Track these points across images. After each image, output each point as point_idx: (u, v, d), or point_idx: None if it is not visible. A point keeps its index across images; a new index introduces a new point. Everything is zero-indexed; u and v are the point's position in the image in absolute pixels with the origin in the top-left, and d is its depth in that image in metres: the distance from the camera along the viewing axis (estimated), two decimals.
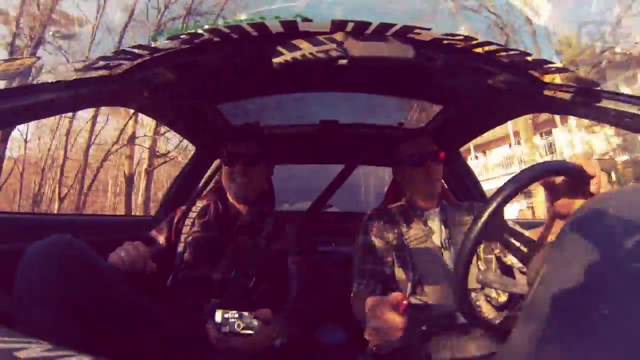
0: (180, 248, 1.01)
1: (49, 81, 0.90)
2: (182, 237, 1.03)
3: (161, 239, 1.05)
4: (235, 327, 0.66)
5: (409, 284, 1.00)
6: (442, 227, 1.08)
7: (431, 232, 1.07)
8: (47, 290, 0.59)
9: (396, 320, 0.60)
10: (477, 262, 1.00)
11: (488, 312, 0.95)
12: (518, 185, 0.61)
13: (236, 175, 1.04)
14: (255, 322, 0.67)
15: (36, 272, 0.61)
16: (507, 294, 0.94)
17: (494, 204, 0.59)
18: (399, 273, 1.02)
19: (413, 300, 1.00)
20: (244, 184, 1.04)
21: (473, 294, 0.97)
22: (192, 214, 1.09)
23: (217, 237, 1.00)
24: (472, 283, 0.82)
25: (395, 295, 0.62)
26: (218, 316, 0.66)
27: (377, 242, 1.06)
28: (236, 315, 0.66)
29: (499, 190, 0.61)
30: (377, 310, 0.62)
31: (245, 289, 0.92)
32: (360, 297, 0.96)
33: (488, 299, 0.96)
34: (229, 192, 1.08)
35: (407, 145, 1.13)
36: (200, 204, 1.12)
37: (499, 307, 0.95)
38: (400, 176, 1.17)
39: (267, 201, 1.17)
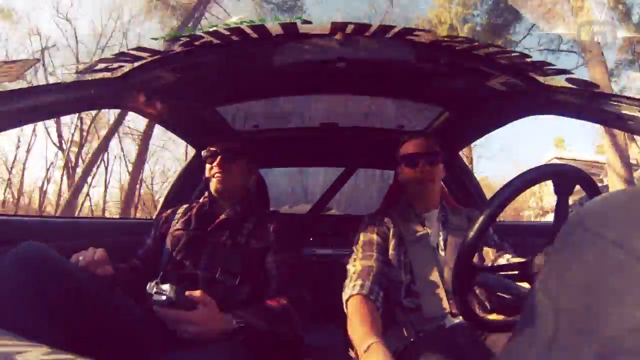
0: (165, 246, 1.06)
1: (50, 83, 0.90)
2: (168, 235, 1.08)
3: (149, 239, 1.12)
4: (155, 297, 0.68)
5: (403, 285, 1.00)
6: (441, 229, 1.07)
7: (429, 233, 1.06)
8: (17, 297, 0.62)
9: None
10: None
11: (487, 314, 0.94)
12: (516, 187, 0.61)
13: (215, 170, 1.08)
14: (167, 288, 0.68)
15: (5, 281, 0.64)
16: (506, 296, 0.93)
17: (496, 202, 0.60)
18: (394, 273, 1.02)
19: (406, 302, 0.99)
20: (222, 178, 1.07)
21: (472, 297, 0.96)
22: (179, 212, 1.14)
23: (197, 234, 1.04)
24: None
25: None
26: (149, 288, 0.69)
27: (376, 241, 1.06)
28: (153, 284, 0.69)
29: (497, 194, 0.61)
30: None
31: (232, 288, 0.94)
32: (356, 301, 0.91)
33: (487, 300, 0.96)
34: (210, 189, 1.12)
35: (404, 146, 1.14)
36: (186, 205, 1.17)
37: (499, 309, 0.94)
38: (400, 176, 1.17)
39: (257, 202, 1.19)
